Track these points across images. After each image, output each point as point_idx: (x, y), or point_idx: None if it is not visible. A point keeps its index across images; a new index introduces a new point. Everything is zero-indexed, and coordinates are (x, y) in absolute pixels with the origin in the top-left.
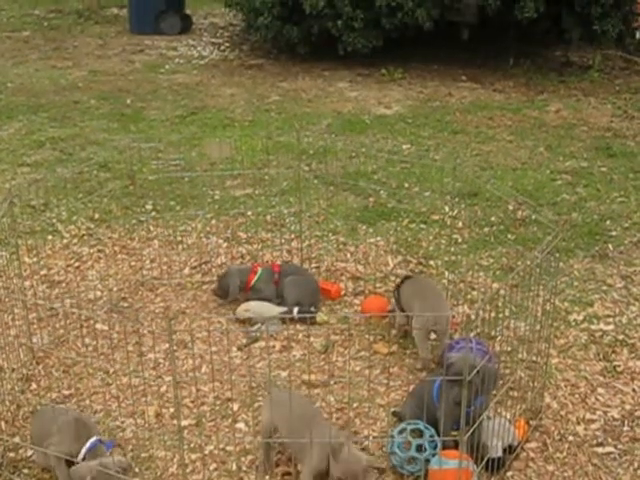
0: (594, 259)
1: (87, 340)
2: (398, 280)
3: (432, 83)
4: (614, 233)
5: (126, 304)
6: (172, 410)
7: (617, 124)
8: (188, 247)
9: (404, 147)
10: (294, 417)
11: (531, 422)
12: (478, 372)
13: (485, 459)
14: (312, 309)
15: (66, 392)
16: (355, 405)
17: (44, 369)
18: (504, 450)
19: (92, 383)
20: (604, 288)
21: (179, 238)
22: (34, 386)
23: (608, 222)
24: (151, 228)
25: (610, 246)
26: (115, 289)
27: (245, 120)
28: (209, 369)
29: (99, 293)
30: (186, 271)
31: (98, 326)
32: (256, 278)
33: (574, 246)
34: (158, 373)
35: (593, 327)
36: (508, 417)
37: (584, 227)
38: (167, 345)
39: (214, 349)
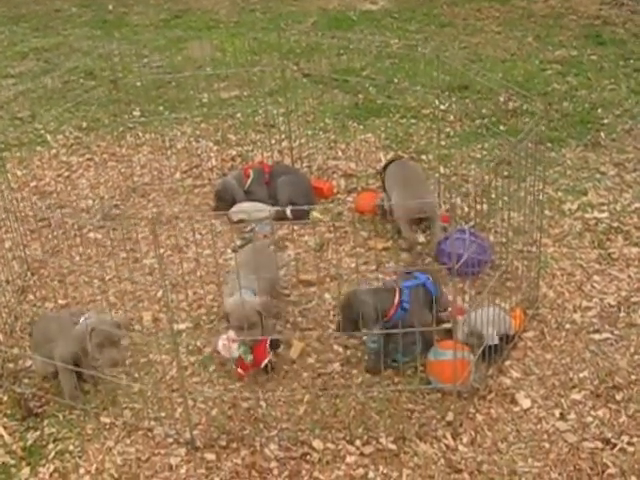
0: (586, 148)
1: (81, 249)
2: (383, 163)
3: None
4: (606, 121)
5: (118, 211)
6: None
7: (606, 12)
8: (178, 152)
9: (392, 42)
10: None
11: (528, 312)
12: None
13: (481, 348)
14: (305, 207)
15: (62, 302)
16: None
17: (39, 280)
18: (500, 339)
19: (88, 291)
20: (597, 176)
21: (168, 143)
22: (30, 297)
23: (599, 110)
24: (140, 134)
25: (602, 134)
26: (106, 197)
27: (230, 21)
28: (204, 272)
29: (91, 202)
30: (177, 176)
31: (91, 235)
32: (249, 181)
33: (566, 135)
34: (154, 279)
35: (587, 215)
36: (505, 307)
37: (575, 116)
38: (161, 250)
39: (208, 252)
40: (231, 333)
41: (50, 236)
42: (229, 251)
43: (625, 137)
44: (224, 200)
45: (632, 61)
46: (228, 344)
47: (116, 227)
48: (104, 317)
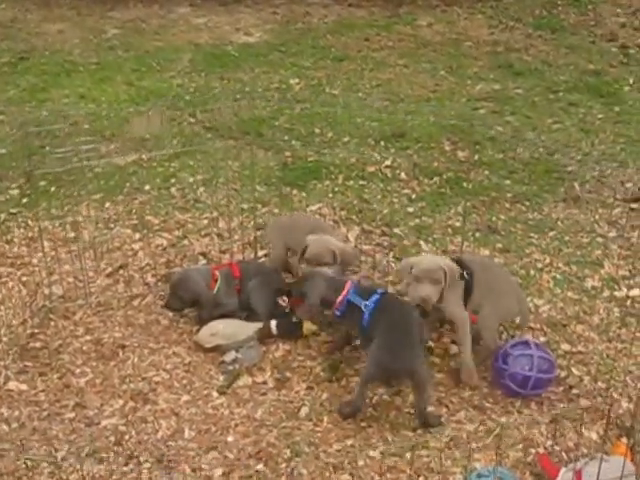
0: (567, 204)
1: (4, 411)
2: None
3: (280, 1)
4: (570, 168)
5: (39, 344)
6: None
7: (499, 36)
8: (89, 246)
9: (292, 82)
10: None
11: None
12: None
13: None
14: (293, 319)
15: None
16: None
17: None
18: None
19: None
20: (599, 240)
21: (72, 234)
22: None
23: (557, 156)
24: (30, 222)
25: (576, 185)
26: (15, 323)
27: (90, 63)
28: (194, 431)
29: None
30: (101, 282)
31: (12, 385)
32: (217, 287)
33: (537, 189)
34: (125, 449)
35: (618, 294)
36: (594, 438)
37: (537, 165)
38: (122, 402)
39: (186, 398)
40: None
41: None
42: (215, 395)
43: (600, 187)
44: (182, 299)
45: (561, 94)
46: None
47: (46, 372)
48: None
